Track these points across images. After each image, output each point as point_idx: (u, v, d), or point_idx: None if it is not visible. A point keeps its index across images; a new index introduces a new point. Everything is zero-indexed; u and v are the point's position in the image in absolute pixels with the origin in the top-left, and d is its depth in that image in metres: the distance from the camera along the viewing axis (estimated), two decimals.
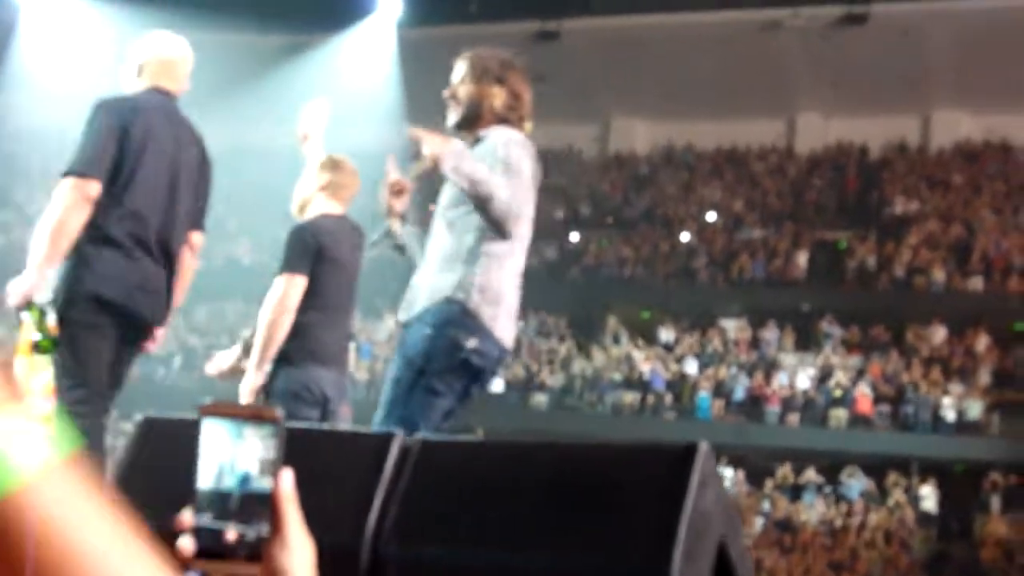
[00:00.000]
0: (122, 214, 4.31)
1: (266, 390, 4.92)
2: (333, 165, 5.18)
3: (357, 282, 5.21)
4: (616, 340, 24.27)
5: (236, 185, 19.33)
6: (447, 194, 4.09)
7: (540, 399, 22.41)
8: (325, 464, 2.67)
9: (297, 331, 4.88)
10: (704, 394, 21.47)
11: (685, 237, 25.30)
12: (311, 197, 5.12)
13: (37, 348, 3.82)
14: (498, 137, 4.00)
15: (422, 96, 26.58)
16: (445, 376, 3.71)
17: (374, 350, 23.55)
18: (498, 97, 4.15)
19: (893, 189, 25.38)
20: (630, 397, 21.87)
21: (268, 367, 4.90)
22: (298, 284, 4.85)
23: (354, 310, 5.26)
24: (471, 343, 3.70)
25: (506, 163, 3.88)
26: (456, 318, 3.74)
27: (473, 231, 3.91)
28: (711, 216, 25.85)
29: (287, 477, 0.93)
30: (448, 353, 3.70)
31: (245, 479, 0.95)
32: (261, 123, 25.49)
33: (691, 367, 22.28)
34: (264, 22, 24.02)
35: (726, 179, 27.07)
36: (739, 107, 26.15)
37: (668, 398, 21.71)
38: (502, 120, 4.15)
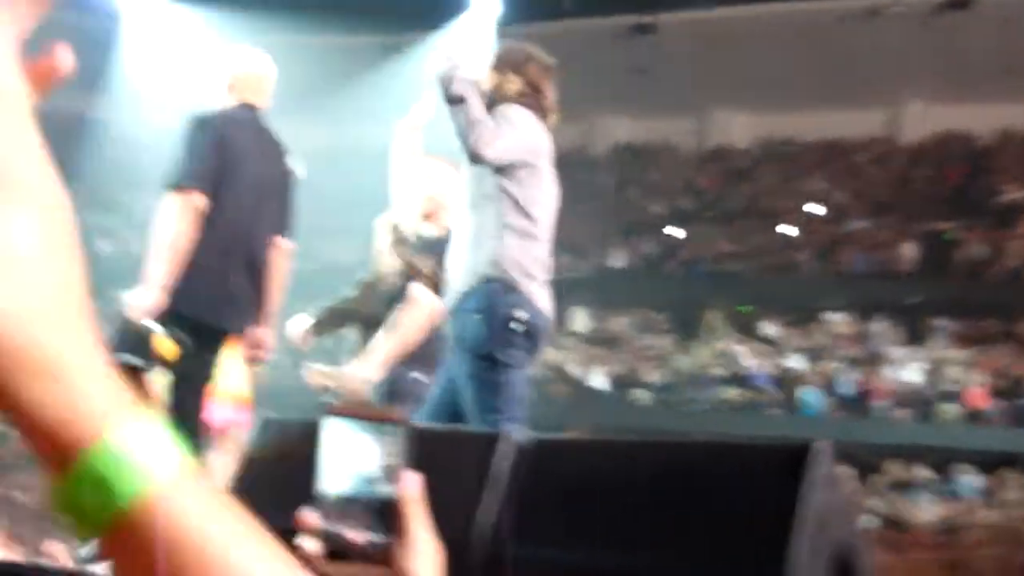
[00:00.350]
0: (211, 226, 4.42)
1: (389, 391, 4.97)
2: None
3: None
4: (717, 335, 24.03)
5: (334, 185, 19.55)
6: (468, 178, 4.12)
7: (642, 395, 22.27)
8: (438, 464, 2.66)
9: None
10: (810, 389, 21.11)
11: (786, 230, 24.91)
12: (439, 205, 5.17)
13: (158, 360, 4.03)
14: (505, 107, 4.11)
15: None
16: (509, 351, 3.79)
17: None
18: (514, 84, 4.25)
19: (1002, 178, 24.68)
20: (732, 393, 21.62)
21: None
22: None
23: None
24: (521, 315, 3.81)
25: (503, 116, 4.00)
26: (499, 295, 3.83)
27: (494, 208, 3.98)
28: (813, 208, 25.43)
29: (413, 480, 0.92)
30: (504, 329, 3.80)
31: (370, 481, 0.93)
32: (358, 123, 25.79)
33: (795, 362, 21.93)
34: (359, 23, 24.27)
35: (828, 171, 26.60)
36: (840, 97, 25.64)
37: (772, 393, 21.40)
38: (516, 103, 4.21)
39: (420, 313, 4.92)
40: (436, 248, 5.01)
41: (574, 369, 23.07)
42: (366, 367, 4.95)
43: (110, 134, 25.17)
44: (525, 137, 4.03)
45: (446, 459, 2.74)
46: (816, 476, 2.43)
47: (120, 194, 26.60)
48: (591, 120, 29.36)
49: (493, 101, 4.25)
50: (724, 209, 26.34)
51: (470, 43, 24.04)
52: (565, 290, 26.04)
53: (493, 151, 3.88)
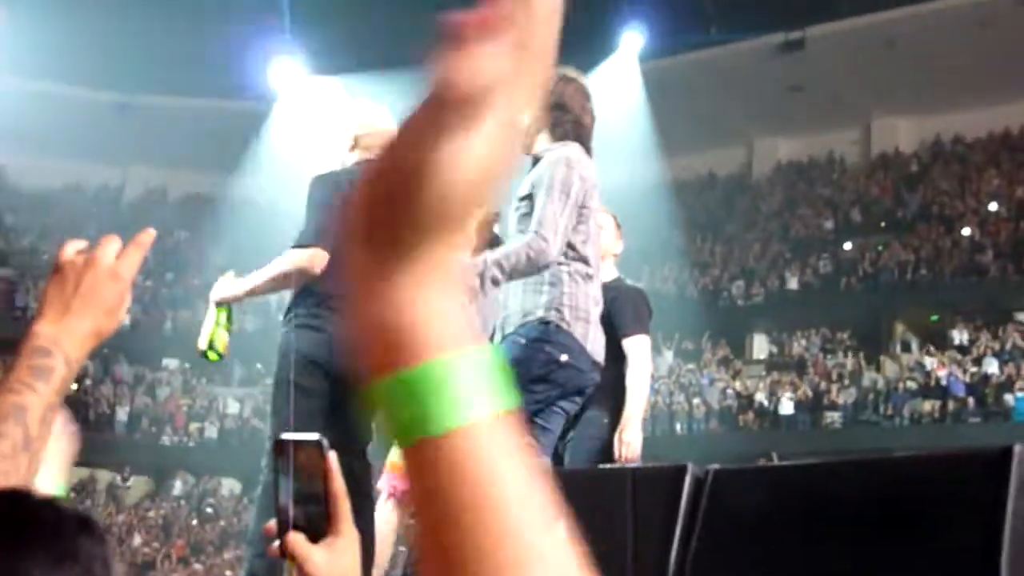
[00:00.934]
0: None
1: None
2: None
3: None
4: (906, 347, 23.26)
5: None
6: (517, 223, 3.97)
7: (833, 417, 21.69)
8: (598, 504, 2.65)
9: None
10: (1021, 394, 20.07)
11: (967, 232, 24.00)
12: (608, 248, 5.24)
13: (210, 344, 4.31)
14: (549, 157, 3.92)
15: (672, 125, 26.56)
16: (533, 385, 3.73)
17: (655, 385, 23.47)
18: (542, 117, 3.99)
19: None
20: (929, 405, 20.84)
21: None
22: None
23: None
24: (564, 358, 3.78)
25: (549, 186, 3.80)
26: (551, 335, 3.80)
27: None
28: (993, 206, 24.45)
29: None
30: (542, 364, 3.77)
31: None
32: (520, 171, 26.02)
33: (992, 367, 21.00)
34: None
35: (1003, 166, 25.57)
36: (1006, 89, 24.70)
37: (970, 402, 20.53)
38: (555, 138, 4.03)
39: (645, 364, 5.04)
40: None
41: (760, 397, 22.65)
42: (636, 430, 5.05)
43: (258, 208, 26.02)
44: (570, 193, 3.81)
45: (628, 497, 2.72)
46: (1020, 480, 2.32)
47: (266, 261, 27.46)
48: (750, 142, 29.03)
49: (527, 139, 4.04)
50: (899, 217, 25.58)
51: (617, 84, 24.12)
52: (742, 317, 25.73)
53: (555, 250, 3.74)
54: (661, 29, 23.20)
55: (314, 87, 23.24)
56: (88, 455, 23.63)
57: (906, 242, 24.35)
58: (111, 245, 1.51)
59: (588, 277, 3.92)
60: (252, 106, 24.97)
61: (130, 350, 27.09)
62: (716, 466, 2.66)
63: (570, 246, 3.87)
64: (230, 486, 25.48)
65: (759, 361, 24.90)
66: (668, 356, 24.64)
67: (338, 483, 1.26)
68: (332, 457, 1.27)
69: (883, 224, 25.67)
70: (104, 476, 25.83)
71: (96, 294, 1.46)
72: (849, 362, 22.77)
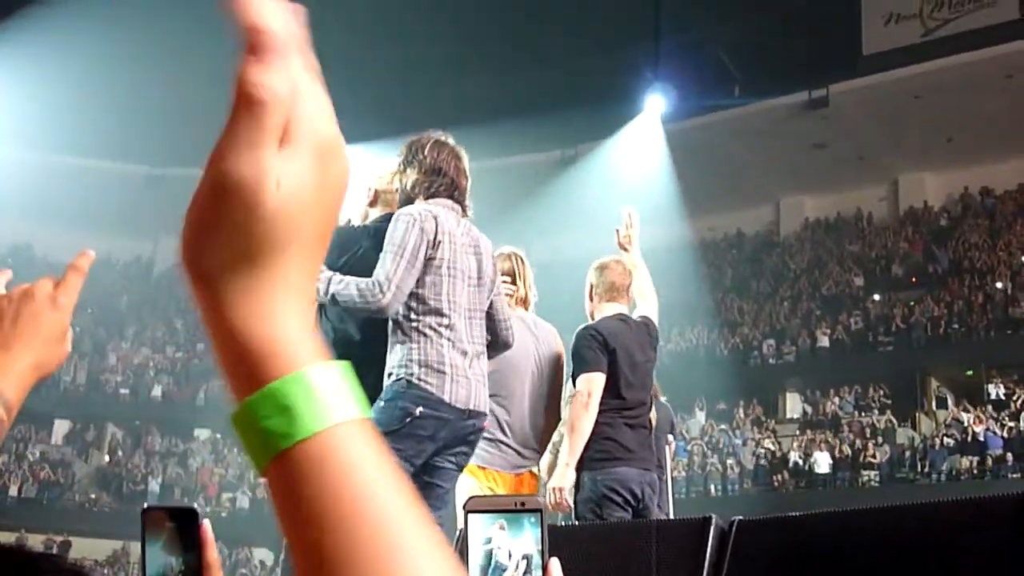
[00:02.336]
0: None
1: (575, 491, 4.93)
2: (599, 271, 5.25)
3: (651, 378, 5.20)
4: (941, 403, 23.01)
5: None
6: None
7: (870, 475, 21.42)
8: (622, 557, 2.61)
9: (597, 432, 4.90)
10: None
11: (1000, 285, 23.82)
12: (592, 307, 5.21)
13: None
14: (395, 216, 4.10)
15: (698, 185, 26.60)
16: (398, 443, 3.81)
17: (688, 446, 23.29)
18: (409, 178, 4.20)
19: None
20: (966, 462, 20.55)
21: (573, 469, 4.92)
22: (598, 381, 4.89)
23: (650, 406, 5.23)
24: (419, 410, 3.87)
25: (389, 242, 3.99)
26: (403, 391, 3.90)
27: (404, 312, 4.00)
28: None
29: (556, 565, 0.94)
30: (399, 420, 3.86)
31: (516, 568, 0.94)
32: (548, 236, 26.18)
33: None
34: (538, 141, 24.85)
35: None
36: None
37: (1008, 457, 20.22)
38: (411, 200, 4.19)
39: (574, 402, 4.90)
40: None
41: (795, 456, 22.42)
42: (557, 476, 4.93)
43: None
44: (407, 247, 3.95)
45: (652, 551, 2.68)
46: None
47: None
48: (777, 200, 29.04)
49: (398, 200, 4.29)
50: (929, 272, 25.44)
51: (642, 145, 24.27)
52: (774, 376, 25.52)
53: (388, 299, 3.89)
54: (686, 91, 23.38)
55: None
56: (120, 526, 23.66)
57: (938, 297, 24.19)
58: (46, 278, 1.43)
59: (446, 327, 4.00)
60: None
61: (162, 421, 27.24)
62: (739, 517, 2.63)
63: (420, 299, 3.98)
64: (262, 556, 25.39)
65: (792, 420, 24.69)
66: (700, 417, 24.48)
67: (212, 555, 1.20)
68: (207, 526, 1.21)
69: (914, 279, 25.54)
70: (136, 548, 25.76)
71: (35, 325, 1.38)
72: (883, 420, 22.53)
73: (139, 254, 31.95)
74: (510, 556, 0.95)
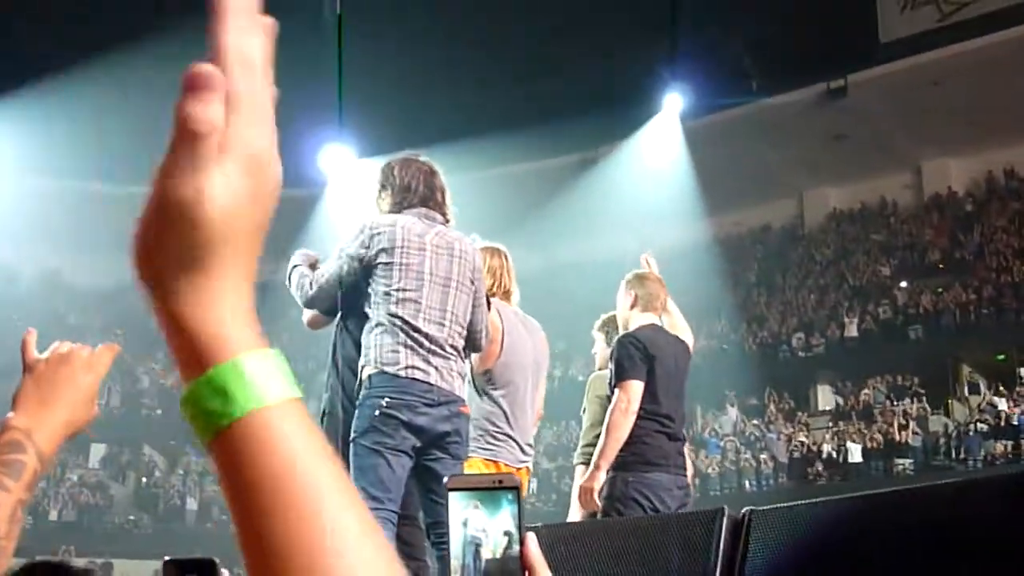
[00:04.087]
0: None
1: (603, 495, 4.99)
2: (639, 280, 5.33)
3: (685, 388, 5.28)
4: (974, 389, 22.86)
5: (555, 304, 19.84)
6: None
7: (904, 463, 21.32)
8: (655, 549, 2.67)
9: (634, 435, 4.98)
10: None
11: None
12: (628, 316, 5.28)
13: None
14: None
15: (721, 182, 26.48)
16: (371, 436, 4.02)
17: (720, 443, 23.24)
18: (384, 200, 4.45)
19: None
20: (1001, 447, 20.42)
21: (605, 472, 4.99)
22: (637, 389, 4.99)
23: (683, 415, 5.30)
24: (384, 401, 4.05)
25: (337, 247, 4.39)
26: (368, 388, 4.11)
27: (369, 308, 4.26)
28: None
29: (532, 538, 1.00)
30: (370, 414, 4.06)
31: (495, 545, 1.00)
32: (571, 239, 26.19)
33: None
34: (559, 145, 24.85)
35: None
36: None
37: None
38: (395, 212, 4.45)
39: (614, 407, 4.99)
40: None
41: (828, 448, 22.34)
42: (589, 476, 5.02)
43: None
44: (350, 250, 4.28)
45: (667, 543, 2.74)
46: None
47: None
48: (800, 193, 28.93)
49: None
50: (957, 258, 25.30)
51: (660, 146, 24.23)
52: (805, 368, 25.38)
53: (312, 291, 4.37)
54: (704, 89, 23.32)
55: (363, 170, 23.59)
56: (159, 545, 23.80)
57: (966, 282, 24.05)
58: (81, 346, 1.59)
59: (402, 321, 4.19)
60: (303, 193, 25.40)
61: (196, 440, 27.33)
62: (752, 507, 2.68)
63: (383, 296, 4.21)
64: None
65: (825, 412, 24.60)
66: (732, 413, 24.43)
67: None
68: None
69: (941, 266, 25.40)
70: None
71: (71, 385, 1.52)
72: (916, 407, 22.42)
73: None
74: (487, 533, 1.00)
